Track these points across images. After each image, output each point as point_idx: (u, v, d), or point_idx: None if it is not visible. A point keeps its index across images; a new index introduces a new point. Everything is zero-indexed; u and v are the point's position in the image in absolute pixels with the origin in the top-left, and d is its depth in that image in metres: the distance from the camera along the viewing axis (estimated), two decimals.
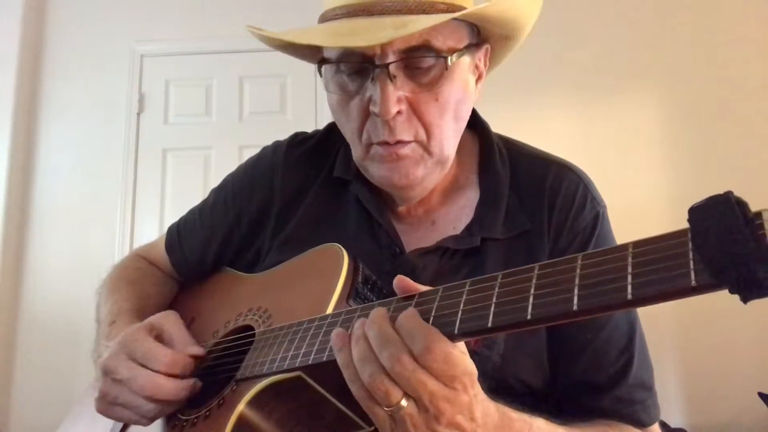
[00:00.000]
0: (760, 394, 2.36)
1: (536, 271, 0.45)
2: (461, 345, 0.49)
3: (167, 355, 0.66)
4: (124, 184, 2.96)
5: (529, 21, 0.74)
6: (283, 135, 0.92)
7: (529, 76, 2.79)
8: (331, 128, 0.86)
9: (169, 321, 0.73)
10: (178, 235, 0.94)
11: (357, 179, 0.80)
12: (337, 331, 0.52)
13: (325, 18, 0.71)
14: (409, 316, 0.48)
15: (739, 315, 2.58)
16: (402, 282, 0.53)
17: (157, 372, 0.65)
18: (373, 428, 0.56)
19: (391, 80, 0.65)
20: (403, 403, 0.46)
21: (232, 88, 3.06)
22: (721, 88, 2.85)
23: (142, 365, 0.65)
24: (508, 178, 0.78)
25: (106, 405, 0.67)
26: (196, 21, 3.09)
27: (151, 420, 0.66)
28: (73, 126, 3.03)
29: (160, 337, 0.70)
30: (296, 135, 0.90)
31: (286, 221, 0.83)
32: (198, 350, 0.70)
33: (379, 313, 0.50)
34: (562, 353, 0.72)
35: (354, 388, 0.50)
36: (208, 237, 0.90)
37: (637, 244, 0.40)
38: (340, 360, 0.50)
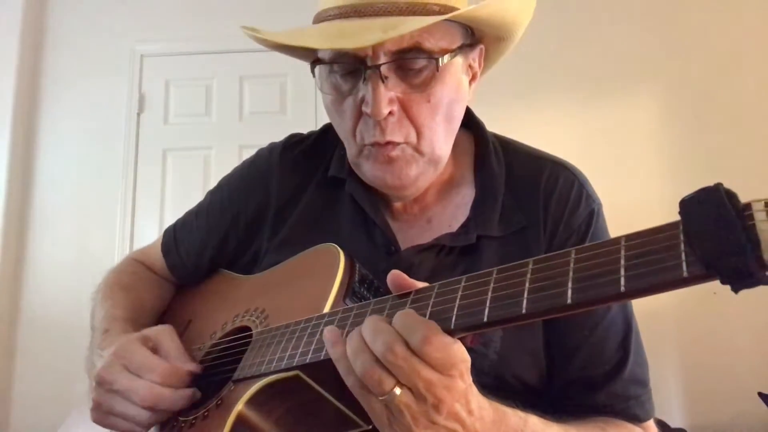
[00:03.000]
0: (760, 394, 2.36)
1: (530, 266, 0.45)
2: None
3: (164, 366, 0.66)
4: (124, 184, 2.96)
5: (522, 22, 0.74)
6: (283, 135, 0.91)
7: (527, 76, 2.79)
8: (327, 129, 0.85)
9: (164, 335, 0.72)
10: (174, 237, 0.93)
11: (351, 178, 0.80)
12: (329, 328, 0.52)
13: (319, 18, 0.71)
14: (407, 313, 0.48)
15: (739, 315, 2.58)
16: (396, 277, 0.53)
17: (154, 383, 0.64)
18: (371, 426, 0.56)
19: (383, 81, 0.65)
20: (397, 390, 0.46)
21: (232, 88, 3.06)
22: (719, 89, 2.85)
23: (138, 376, 0.65)
24: (504, 177, 0.78)
25: (101, 415, 0.67)
26: (196, 21, 3.09)
27: (146, 428, 0.66)
28: (74, 126, 3.03)
29: (155, 350, 0.70)
30: (292, 136, 0.90)
31: (283, 222, 0.83)
32: (194, 367, 0.69)
33: (372, 316, 0.50)
34: (559, 350, 0.72)
35: (348, 381, 0.50)
36: (204, 239, 0.89)
37: (629, 237, 0.40)
38: (334, 354, 0.51)
